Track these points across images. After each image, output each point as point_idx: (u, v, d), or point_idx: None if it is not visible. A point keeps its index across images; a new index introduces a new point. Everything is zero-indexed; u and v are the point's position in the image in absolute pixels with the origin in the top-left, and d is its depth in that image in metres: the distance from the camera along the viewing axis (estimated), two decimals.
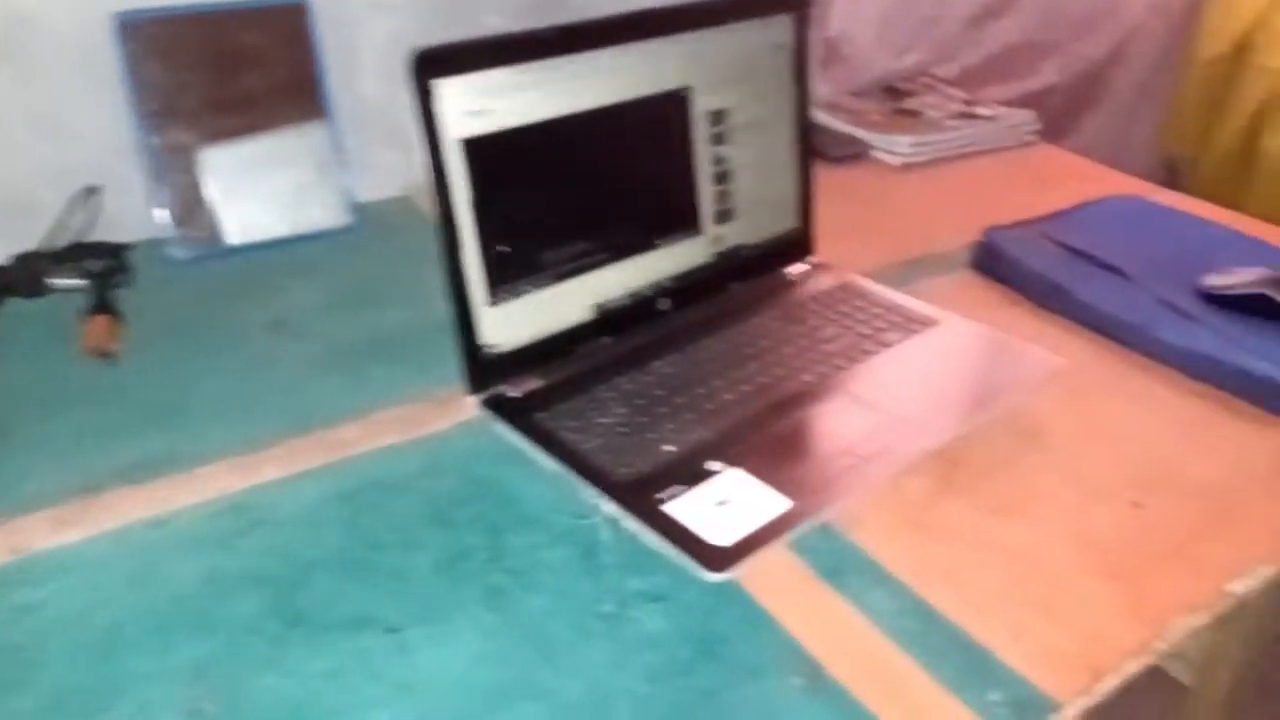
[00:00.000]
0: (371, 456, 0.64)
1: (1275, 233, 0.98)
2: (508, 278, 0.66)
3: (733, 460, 0.60)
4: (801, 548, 0.57)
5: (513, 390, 0.67)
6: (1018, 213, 0.96)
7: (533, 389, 0.68)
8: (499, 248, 0.65)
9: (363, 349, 0.76)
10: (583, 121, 0.67)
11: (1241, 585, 0.56)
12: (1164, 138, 1.67)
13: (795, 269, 0.84)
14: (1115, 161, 1.68)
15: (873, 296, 0.80)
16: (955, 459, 0.64)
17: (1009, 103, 1.44)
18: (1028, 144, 1.23)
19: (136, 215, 0.87)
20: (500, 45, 0.63)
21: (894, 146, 1.14)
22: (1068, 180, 1.13)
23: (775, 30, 0.77)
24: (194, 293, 0.84)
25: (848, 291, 0.81)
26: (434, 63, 0.60)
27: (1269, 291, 0.79)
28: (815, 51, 1.24)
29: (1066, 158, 1.22)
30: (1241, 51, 1.56)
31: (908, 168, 1.14)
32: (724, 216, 0.78)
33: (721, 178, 0.77)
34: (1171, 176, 1.76)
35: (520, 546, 0.57)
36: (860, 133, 1.18)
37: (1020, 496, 0.62)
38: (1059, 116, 1.50)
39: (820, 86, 1.27)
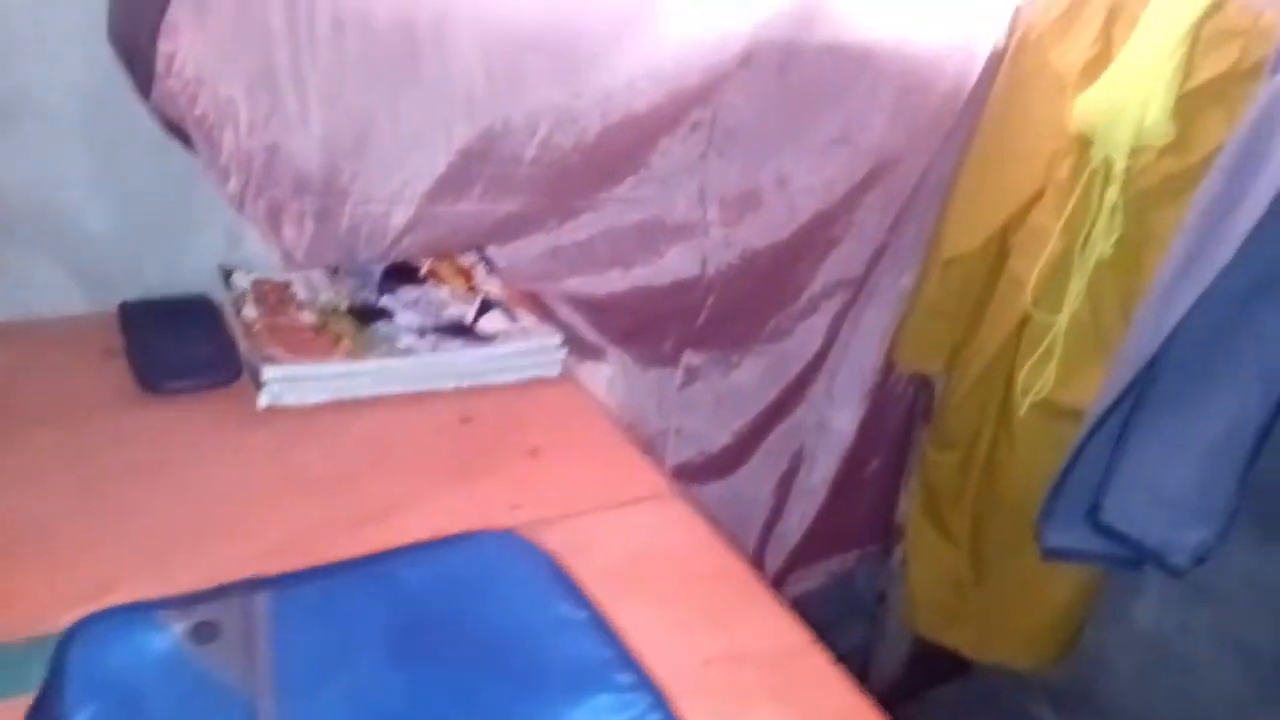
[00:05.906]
0: None
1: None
2: None
3: None
4: None
5: None
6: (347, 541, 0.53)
7: None
8: None
9: None
10: None
11: None
12: (903, 352, 1.24)
13: None
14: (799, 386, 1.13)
15: None
16: None
17: (624, 298, 1.02)
18: (546, 380, 0.81)
19: None
20: None
21: (259, 377, 0.71)
22: (533, 459, 0.70)
23: None
24: None
25: None
26: None
27: None
28: (239, 195, 0.80)
29: (579, 412, 0.78)
30: (993, 254, 1.14)
31: (276, 414, 0.71)
32: None
33: None
34: (927, 398, 1.33)
35: None
36: (243, 347, 0.75)
37: None
38: (715, 317, 1.08)
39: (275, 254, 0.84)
